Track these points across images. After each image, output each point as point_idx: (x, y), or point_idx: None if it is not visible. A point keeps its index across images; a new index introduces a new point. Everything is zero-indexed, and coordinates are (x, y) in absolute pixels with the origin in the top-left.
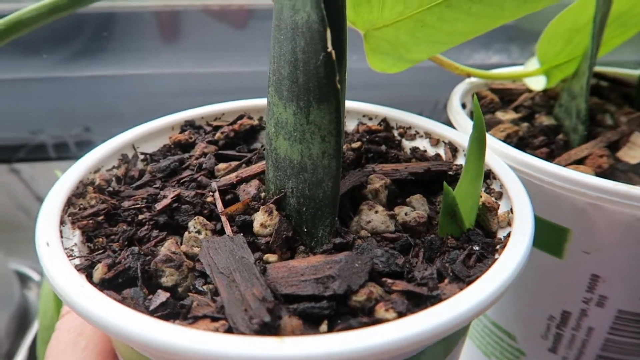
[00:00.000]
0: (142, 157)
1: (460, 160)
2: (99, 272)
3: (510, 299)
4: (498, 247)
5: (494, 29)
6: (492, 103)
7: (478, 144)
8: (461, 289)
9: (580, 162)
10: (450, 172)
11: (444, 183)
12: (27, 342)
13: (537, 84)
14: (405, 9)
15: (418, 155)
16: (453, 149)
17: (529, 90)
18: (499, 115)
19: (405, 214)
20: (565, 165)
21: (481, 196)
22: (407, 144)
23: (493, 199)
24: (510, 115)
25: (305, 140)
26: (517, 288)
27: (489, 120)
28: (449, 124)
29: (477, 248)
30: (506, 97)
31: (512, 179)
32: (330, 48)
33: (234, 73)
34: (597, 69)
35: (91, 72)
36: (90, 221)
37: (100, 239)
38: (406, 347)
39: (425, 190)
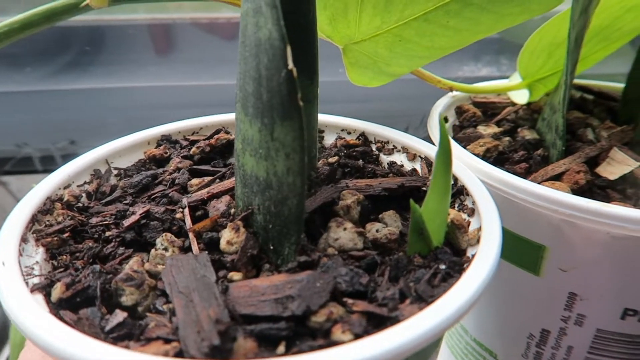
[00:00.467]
0: (115, 172)
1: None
2: (57, 291)
3: (491, 316)
4: (465, 265)
5: (483, 42)
6: (474, 117)
7: (444, 161)
8: (421, 310)
9: (557, 177)
10: (424, 188)
11: (411, 200)
12: (3, 358)
13: (521, 97)
14: (382, 24)
15: (395, 170)
16: (429, 164)
17: (513, 104)
18: (481, 129)
19: (377, 231)
20: (541, 182)
21: (450, 213)
22: (385, 159)
23: (465, 215)
24: (492, 129)
25: (270, 157)
26: (497, 305)
27: (470, 134)
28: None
29: (443, 267)
30: (490, 110)
31: (483, 196)
32: (290, 65)
33: (222, 85)
34: (582, 82)
35: (77, 85)
36: (55, 238)
37: (64, 257)
38: None
39: (399, 206)
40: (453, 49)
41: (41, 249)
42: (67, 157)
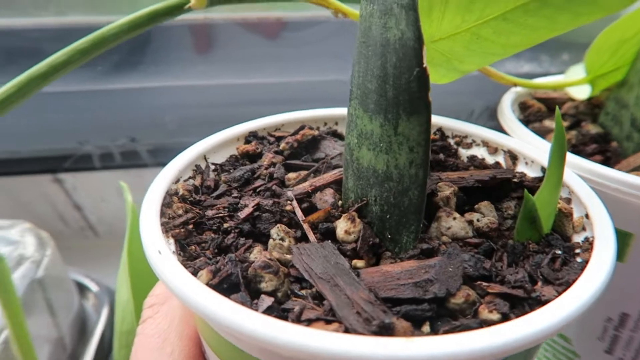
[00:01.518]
0: (213, 167)
1: (521, 168)
2: (203, 278)
3: None
4: (578, 250)
5: None
6: (540, 112)
7: (559, 154)
8: (558, 292)
9: (639, 168)
10: (515, 180)
11: (525, 191)
12: (91, 348)
13: (581, 92)
14: (462, 22)
15: (476, 163)
16: (513, 157)
17: (572, 99)
18: (547, 123)
19: (478, 220)
20: (628, 172)
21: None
22: (464, 153)
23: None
24: None
25: (392, 151)
26: None
27: (539, 128)
28: (497, 130)
29: (559, 252)
30: (551, 105)
31: (580, 185)
32: (425, 64)
33: (272, 84)
34: None
35: (132, 84)
36: (182, 230)
37: (193, 247)
38: (527, 345)
39: (490, 197)
40: (526, 46)
41: (172, 240)
42: (126, 155)
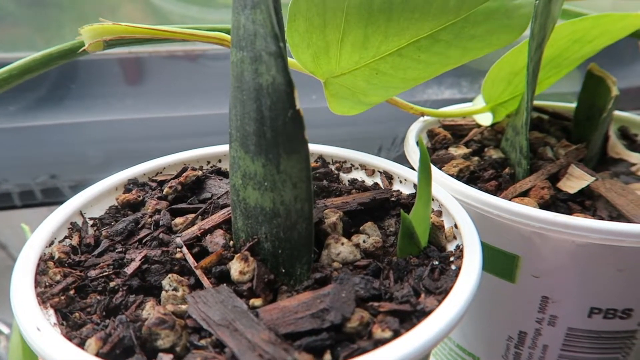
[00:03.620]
0: (91, 222)
1: (397, 186)
2: (92, 347)
3: (472, 323)
4: (452, 259)
5: None
6: (445, 139)
7: (425, 175)
8: (440, 301)
9: (524, 193)
10: (393, 198)
11: (401, 211)
12: None
13: (485, 119)
14: (360, 59)
15: (357, 186)
16: (388, 177)
17: (478, 125)
18: (452, 150)
19: (364, 242)
20: (511, 198)
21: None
22: (345, 177)
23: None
24: (462, 150)
25: (277, 189)
26: (477, 312)
27: (443, 155)
28: (406, 158)
29: (436, 262)
30: (458, 132)
31: (448, 199)
32: (298, 106)
33: (198, 116)
34: (538, 103)
35: (55, 120)
36: (62, 297)
37: (77, 314)
38: (419, 356)
39: (373, 217)
40: (424, 80)
41: (51, 311)
42: (47, 192)
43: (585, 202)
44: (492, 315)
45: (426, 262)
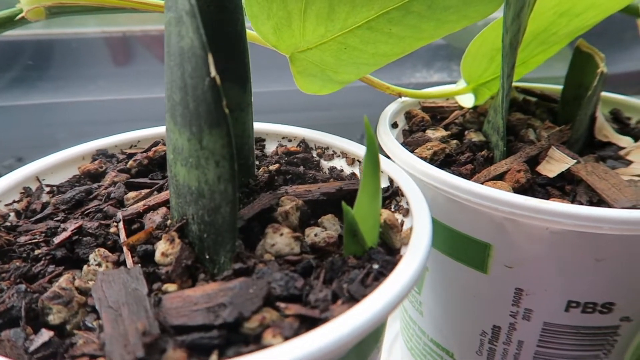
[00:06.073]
0: (47, 189)
1: None
2: None
3: (445, 316)
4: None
5: (433, 49)
6: (423, 121)
7: (372, 164)
8: (349, 309)
9: (499, 177)
10: None
11: (343, 203)
12: None
13: (467, 101)
14: (327, 32)
15: (335, 174)
16: None
17: (461, 108)
18: (429, 133)
19: (315, 235)
20: (484, 182)
21: (383, 214)
22: (326, 164)
23: (400, 216)
24: (440, 132)
25: (201, 166)
26: (449, 305)
27: (419, 138)
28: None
29: (376, 266)
30: (438, 114)
31: (416, 197)
32: (213, 73)
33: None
34: (525, 85)
35: (24, 101)
36: None
37: None
38: None
39: (339, 210)
40: (398, 56)
41: None
42: None
43: (566, 186)
44: (463, 308)
45: (365, 265)
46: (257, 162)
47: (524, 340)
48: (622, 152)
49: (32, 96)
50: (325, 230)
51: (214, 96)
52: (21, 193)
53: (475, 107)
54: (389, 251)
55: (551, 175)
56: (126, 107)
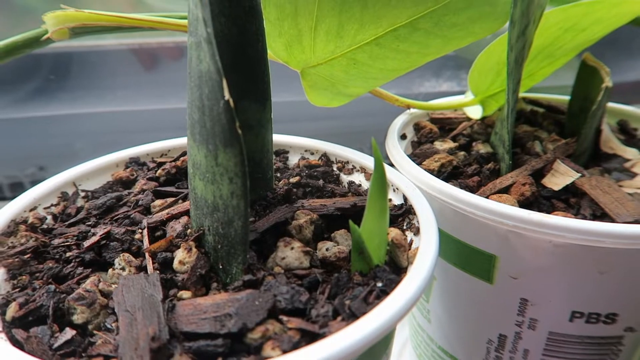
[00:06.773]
0: (83, 194)
1: (389, 195)
2: (11, 310)
3: (452, 325)
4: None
5: (442, 59)
6: (431, 133)
7: (379, 183)
8: (347, 326)
9: (505, 190)
10: None
11: (349, 221)
12: None
13: (475, 112)
14: (336, 48)
15: (353, 189)
16: None
17: (469, 119)
18: (437, 144)
19: (327, 250)
20: (489, 195)
21: (390, 232)
22: (345, 178)
23: (411, 234)
24: (448, 144)
25: (216, 182)
26: (457, 313)
27: (427, 150)
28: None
29: (380, 284)
30: (447, 126)
31: (426, 215)
32: (227, 97)
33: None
34: (533, 95)
35: (45, 112)
36: (16, 259)
37: (24, 277)
38: None
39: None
40: (405, 71)
41: (2, 270)
42: (36, 184)
43: (570, 199)
44: (470, 317)
45: (369, 282)
46: (278, 174)
47: (529, 349)
48: (627, 165)
49: (52, 107)
50: (337, 245)
51: (228, 117)
52: (59, 197)
53: (483, 119)
54: (395, 269)
55: (556, 188)
56: (143, 117)
